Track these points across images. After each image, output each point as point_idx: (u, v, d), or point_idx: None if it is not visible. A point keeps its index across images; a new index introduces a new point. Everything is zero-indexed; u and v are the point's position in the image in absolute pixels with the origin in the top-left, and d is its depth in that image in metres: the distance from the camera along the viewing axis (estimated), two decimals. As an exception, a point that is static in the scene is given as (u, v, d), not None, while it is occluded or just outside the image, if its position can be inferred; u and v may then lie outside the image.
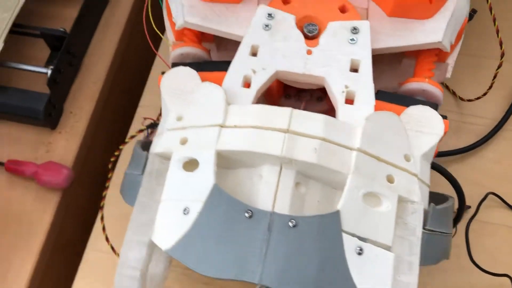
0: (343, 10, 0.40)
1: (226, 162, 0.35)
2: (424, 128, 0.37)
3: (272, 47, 0.38)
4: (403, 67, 0.46)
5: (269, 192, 0.33)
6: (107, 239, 0.47)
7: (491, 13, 0.51)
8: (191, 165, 0.35)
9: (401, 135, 0.35)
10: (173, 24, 0.48)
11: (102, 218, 0.47)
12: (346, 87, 0.36)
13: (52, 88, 0.56)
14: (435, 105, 0.39)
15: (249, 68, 0.37)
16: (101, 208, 0.47)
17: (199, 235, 0.33)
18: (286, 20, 0.39)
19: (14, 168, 0.55)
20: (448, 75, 0.45)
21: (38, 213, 0.54)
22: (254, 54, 0.38)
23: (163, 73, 0.43)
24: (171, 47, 0.50)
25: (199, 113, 0.37)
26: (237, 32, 0.41)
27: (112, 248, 0.47)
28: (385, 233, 0.33)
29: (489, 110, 0.58)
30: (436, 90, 0.40)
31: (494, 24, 0.50)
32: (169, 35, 0.49)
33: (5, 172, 0.56)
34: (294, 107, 0.43)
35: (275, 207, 0.33)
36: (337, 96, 0.36)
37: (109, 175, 0.47)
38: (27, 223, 0.54)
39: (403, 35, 0.40)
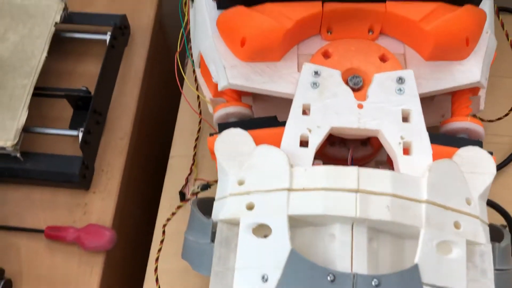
0: (383, 59, 0.42)
1: (294, 222, 0.36)
2: (478, 168, 0.38)
3: (323, 105, 0.39)
4: (436, 103, 0.47)
5: (346, 252, 0.34)
6: None
7: (507, 38, 0.54)
8: (261, 230, 0.36)
9: (460, 180, 0.37)
10: (209, 81, 0.49)
11: (156, 270, 0.47)
12: (402, 138, 0.38)
13: (84, 149, 0.56)
14: (480, 143, 0.41)
15: (305, 128, 0.38)
16: (157, 260, 0.47)
17: (282, 301, 0.34)
18: (333, 77, 0.40)
19: (54, 235, 0.55)
20: (482, 107, 0.46)
21: (85, 277, 0.54)
22: (306, 113, 0.39)
23: (211, 134, 0.44)
24: (209, 104, 0.50)
25: (262, 177, 0.37)
26: (281, 90, 0.42)
27: None
28: (459, 278, 0.34)
29: (510, 127, 0.60)
30: (478, 128, 0.42)
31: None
32: (205, 92, 0.50)
33: (45, 239, 0.56)
34: (341, 153, 0.45)
35: (354, 267, 0.34)
36: (394, 148, 0.37)
37: (162, 238, 0.47)
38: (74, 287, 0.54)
39: (443, 78, 0.42)
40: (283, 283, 0.34)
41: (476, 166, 0.38)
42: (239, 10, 0.42)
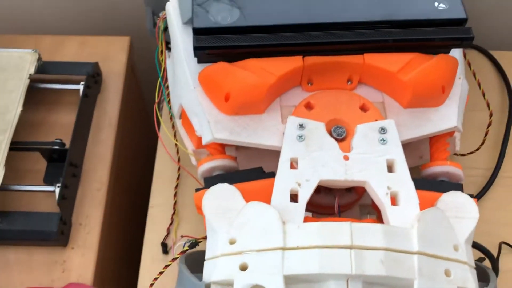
0: (364, 108, 0.43)
1: (288, 280, 0.36)
2: (461, 213, 0.39)
3: (310, 158, 0.39)
4: (414, 144, 0.48)
5: (342, 308, 0.34)
6: None
7: (474, 77, 0.56)
8: (258, 290, 0.36)
9: (447, 227, 0.38)
10: (191, 133, 0.49)
11: None
12: (389, 188, 0.38)
13: (61, 205, 0.55)
14: (461, 186, 0.42)
15: (294, 182, 0.39)
16: None
17: None
18: (318, 129, 0.41)
19: (32, 297, 0.53)
20: (458, 148, 0.48)
21: None
22: (294, 166, 0.40)
23: (197, 190, 0.44)
24: (192, 156, 0.50)
25: (254, 236, 0.37)
26: (266, 142, 0.42)
27: None
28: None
29: (481, 160, 0.62)
30: (458, 171, 0.43)
31: (480, 87, 0.55)
32: (187, 143, 0.50)
33: (22, 302, 0.53)
34: (327, 200, 0.45)
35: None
36: (382, 199, 0.38)
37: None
38: None
39: (422, 125, 0.43)
40: None
41: (460, 210, 0.39)
42: (222, 66, 0.42)
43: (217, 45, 0.42)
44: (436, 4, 0.43)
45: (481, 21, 0.79)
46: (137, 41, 0.75)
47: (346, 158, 0.40)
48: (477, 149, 0.59)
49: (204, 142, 0.43)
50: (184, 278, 0.40)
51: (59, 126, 0.64)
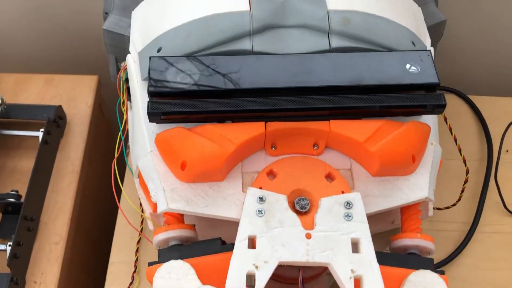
0: (330, 177, 0.40)
1: None
2: (431, 294, 0.37)
3: (270, 236, 0.37)
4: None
5: None
6: None
7: (446, 122, 0.54)
8: None
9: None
10: (147, 194, 0.46)
11: None
12: (353, 271, 0.36)
13: (13, 265, 0.51)
14: (431, 261, 0.40)
15: (251, 264, 0.36)
16: None
17: None
18: (279, 202, 0.38)
19: None
20: (430, 213, 0.46)
21: None
22: (252, 246, 0.37)
23: (150, 264, 0.40)
24: (149, 220, 0.47)
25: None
26: (225, 214, 0.40)
27: None
28: None
29: (458, 213, 0.60)
30: (429, 244, 0.41)
31: (456, 143, 0.53)
32: (145, 206, 0.47)
33: None
34: (291, 273, 0.42)
35: None
36: (345, 283, 0.35)
37: None
38: None
39: (391, 195, 0.40)
40: None
41: (429, 290, 0.37)
42: (178, 131, 0.40)
43: (172, 110, 0.39)
44: (407, 66, 0.41)
45: (459, 64, 0.77)
46: (109, 79, 0.73)
47: (308, 236, 0.37)
48: (454, 205, 0.57)
49: (159, 211, 0.41)
50: None
51: (18, 173, 0.61)
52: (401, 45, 0.43)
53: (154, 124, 0.42)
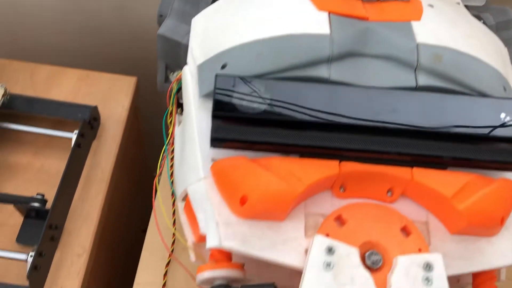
0: (406, 231, 0.36)
1: None
2: None
3: (339, 296, 0.32)
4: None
5: None
6: None
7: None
8: None
9: None
10: (193, 222, 0.41)
11: None
12: None
13: (32, 278, 0.47)
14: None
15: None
16: None
17: None
18: (350, 256, 0.33)
19: None
20: (503, 277, 0.41)
21: None
22: (317, 303, 0.32)
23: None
24: (190, 250, 0.43)
25: None
26: (285, 261, 0.35)
27: None
28: None
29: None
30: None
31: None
32: (187, 233, 0.42)
33: None
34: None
35: None
36: None
37: None
38: None
39: (471, 258, 0.36)
40: None
41: None
42: (242, 162, 0.35)
43: (239, 138, 0.35)
44: (502, 116, 0.36)
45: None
46: (143, 83, 0.68)
47: (382, 298, 0.32)
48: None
49: (208, 246, 0.36)
50: None
51: (45, 174, 0.57)
52: (493, 90, 0.39)
53: (208, 146, 0.38)
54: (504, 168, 0.37)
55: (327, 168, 0.35)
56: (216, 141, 0.35)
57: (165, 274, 0.51)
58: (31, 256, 0.47)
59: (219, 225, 0.36)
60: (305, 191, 0.34)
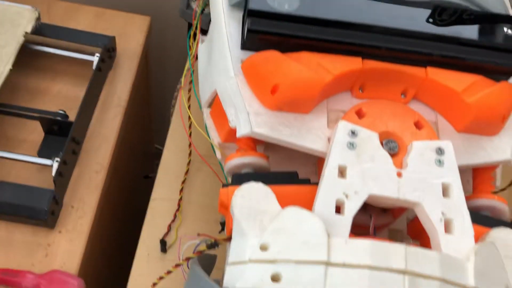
0: (418, 125, 0.39)
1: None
2: (510, 252, 0.36)
3: (361, 169, 0.36)
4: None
5: None
6: None
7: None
8: (289, 306, 0.31)
9: (501, 266, 0.34)
10: (220, 124, 0.44)
11: None
12: (443, 214, 0.35)
13: (57, 183, 0.49)
14: (509, 223, 0.39)
15: (341, 192, 0.35)
16: None
17: None
18: (371, 139, 0.37)
19: (8, 280, 0.47)
20: (498, 183, 0.45)
21: (40, 334, 0.46)
22: (342, 175, 0.36)
23: (224, 185, 0.39)
24: (217, 149, 0.46)
25: (291, 245, 0.33)
26: (310, 145, 0.38)
27: None
28: None
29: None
30: (505, 207, 0.40)
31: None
32: (213, 135, 0.45)
33: (-5, 283, 0.47)
34: (361, 219, 0.41)
35: None
36: (436, 225, 0.35)
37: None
38: None
39: (475, 153, 0.40)
40: None
41: (508, 249, 0.36)
42: (273, 55, 0.38)
43: (274, 31, 0.38)
44: (505, 29, 0.41)
45: None
46: (154, 23, 0.71)
47: (399, 175, 0.36)
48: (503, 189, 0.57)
49: (239, 134, 0.39)
50: (200, 282, 0.35)
51: (63, 98, 0.59)
52: (495, 9, 0.43)
53: (238, 50, 0.41)
54: (506, 72, 0.41)
55: (352, 63, 0.39)
56: (253, 33, 0.38)
57: (181, 190, 0.54)
58: (56, 161, 0.49)
59: (250, 115, 0.39)
60: (332, 81, 0.38)
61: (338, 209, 0.35)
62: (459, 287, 0.31)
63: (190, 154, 0.56)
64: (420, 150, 0.37)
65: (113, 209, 0.57)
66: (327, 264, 0.32)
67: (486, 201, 0.40)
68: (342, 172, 0.36)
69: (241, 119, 0.39)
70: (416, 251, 0.32)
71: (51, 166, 0.49)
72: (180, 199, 0.54)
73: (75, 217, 0.52)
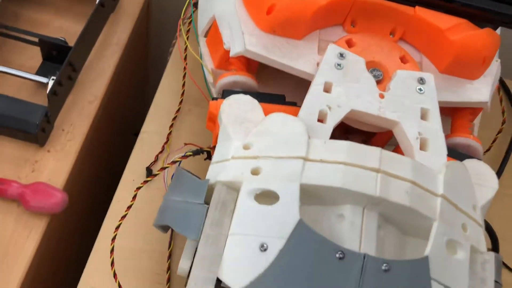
0: (403, 60, 0.41)
1: (303, 195, 0.33)
2: (481, 181, 0.38)
3: (346, 87, 0.38)
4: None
5: (355, 234, 0.32)
6: (115, 275, 0.42)
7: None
8: (265, 197, 0.33)
9: (470, 186, 0.36)
10: (215, 50, 0.46)
11: (112, 251, 0.42)
12: (420, 134, 0.37)
13: (51, 100, 0.50)
14: (481, 161, 0.41)
15: (324, 104, 0.37)
16: (113, 239, 0.42)
17: (281, 274, 0.30)
18: (357, 62, 0.39)
19: (-7, 187, 0.48)
20: (475, 133, 0.47)
21: (19, 240, 0.47)
22: (327, 91, 0.38)
23: (213, 98, 0.41)
24: (210, 74, 0.47)
25: (273, 143, 0.35)
26: (300, 67, 0.40)
27: (120, 286, 0.42)
28: (462, 281, 0.33)
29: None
30: (479, 146, 0.42)
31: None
32: (207, 62, 0.47)
33: (-20, 190, 0.48)
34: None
35: (362, 249, 0.31)
36: (412, 141, 0.36)
37: (131, 203, 0.42)
38: (4, 251, 0.46)
39: (455, 92, 0.42)
40: (284, 255, 0.30)
41: (480, 178, 0.38)
42: (272, -23, 0.40)
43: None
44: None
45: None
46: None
47: (381, 96, 0.38)
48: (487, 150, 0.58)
49: (233, 52, 0.41)
50: (184, 178, 0.37)
51: (64, 32, 0.60)
52: None
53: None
54: (490, 20, 0.43)
55: (346, -8, 0.41)
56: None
57: (171, 126, 0.55)
58: (52, 79, 0.51)
59: (244, 34, 0.41)
60: (325, 6, 0.40)
61: (321, 121, 0.37)
62: (428, 193, 0.33)
63: (182, 94, 0.57)
64: (403, 77, 0.39)
65: (103, 138, 0.58)
66: (305, 159, 0.33)
67: (462, 139, 0.42)
68: (327, 89, 0.38)
69: (236, 39, 0.41)
70: (391, 154, 0.33)
71: (47, 84, 0.51)
72: (170, 133, 0.55)
73: (65, 140, 0.53)
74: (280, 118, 0.36)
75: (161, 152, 0.54)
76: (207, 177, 0.36)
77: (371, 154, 0.33)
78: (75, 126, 0.54)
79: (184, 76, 0.57)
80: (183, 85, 0.57)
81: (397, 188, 0.32)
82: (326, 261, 0.30)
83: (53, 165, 0.51)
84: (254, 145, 0.35)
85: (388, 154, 0.33)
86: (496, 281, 0.35)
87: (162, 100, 0.58)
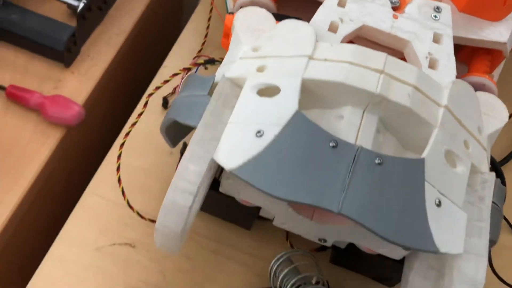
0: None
1: (302, 99, 0.33)
2: (491, 112, 0.37)
3: (360, 3, 0.38)
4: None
5: (352, 130, 0.32)
6: (123, 192, 0.43)
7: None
8: (268, 92, 0.33)
9: (476, 107, 0.36)
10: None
11: (118, 168, 0.43)
12: (430, 54, 0.37)
13: (80, 22, 0.53)
14: (494, 100, 0.40)
15: (337, 16, 0.37)
16: (119, 157, 0.43)
17: (274, 158, 0.30)
18: (375, -14, 0.39)
19: (16, 94, 0.50)
20: (496, 79, 0.46)
21: (34, 146, 0.49)
22: (341, 5, 0.38)
23: (229, 13, 0.42)
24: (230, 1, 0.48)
25: (282, 45, 0.35)
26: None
27: (129, 203, 0.43)
28: (458, 194, 0.32)
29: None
30: (494, 87, 0.41)
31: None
32: (229, 3, 0.48)
33: (4, 97, 0.50)
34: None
35: (358, 143, 0.31)
36: (421, 60, 0.36)
37: (136, 120, 0.43)
38: (20, 153, 0.48)
39: (473, 30, 0.42)
40: (279, 140, 0.31)
41: (490, 110, 0.37)
42: None
43: None
44: None
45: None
46: None
47: (395, 17, 0.38)
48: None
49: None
50: (193, 78, 0.38)
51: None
52: None
53: None
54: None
55: None
56: None
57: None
58: (83, 2, 0.53)
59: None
60: None
61: (334, 31, 0.37)
62: (431, 101, 0.33)
63: (206, 35, 0.59)
64: (419, 3, 0.39)
65: (126, 68, 0.59)
66: (310, 58, 0.34)
67: (477, 78, 0.41)
68: (342, 3, 0.38)
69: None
70: (396, 60, 0.33)
71: (78, 6, 0.53)
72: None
73: (90, 65, 0.55)
74: (291, 23, 0.36)
75: (178, 86, 0.55)
76: (215, 78, 0.36)
77: (377, 57, 0.33)
78: (101, 53, 0.56)
79: (209, 19, 0.59)
80: (207, 27, 0.59)
81: (399, 89, 0.32)
82: (319, 148, 0.30)
83: (75, 85, 0.53)
84: (263, 48, 0.36)
85: (394, 59, 0.33)
86: (494, 202, 0.34)
87: (186, 40, 0.59)
